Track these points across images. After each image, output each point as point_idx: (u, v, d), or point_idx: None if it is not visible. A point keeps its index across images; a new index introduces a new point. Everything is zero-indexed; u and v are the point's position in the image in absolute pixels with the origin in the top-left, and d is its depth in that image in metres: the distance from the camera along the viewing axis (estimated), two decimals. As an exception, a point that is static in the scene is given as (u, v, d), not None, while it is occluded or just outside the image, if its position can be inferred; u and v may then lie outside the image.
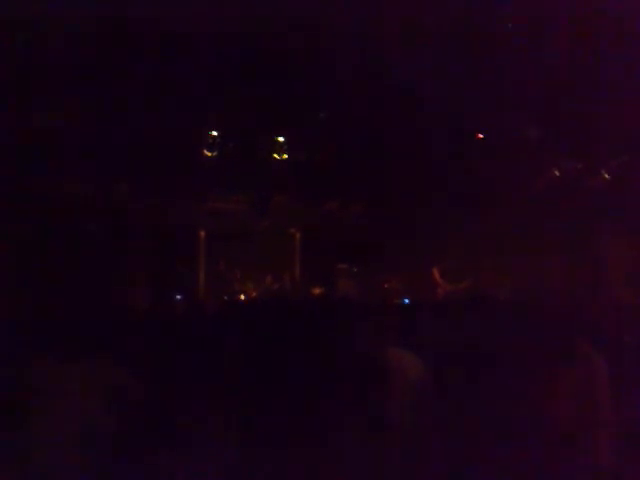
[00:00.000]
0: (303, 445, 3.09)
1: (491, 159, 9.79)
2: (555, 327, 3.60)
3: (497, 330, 3.81)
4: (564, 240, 10.64)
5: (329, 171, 10.28)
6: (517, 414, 3.35)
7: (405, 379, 3.40)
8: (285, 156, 9.80)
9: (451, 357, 3.56)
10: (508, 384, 3.46)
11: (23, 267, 8.82)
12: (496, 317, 4.14)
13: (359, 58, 7.12)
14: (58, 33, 6.50)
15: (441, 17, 6.35)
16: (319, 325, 3.77)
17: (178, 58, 7.16)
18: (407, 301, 7.52)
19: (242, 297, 10.34)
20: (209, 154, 9.52)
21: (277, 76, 7.57)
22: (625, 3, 6.05)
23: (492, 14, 6.36)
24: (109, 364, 3.26)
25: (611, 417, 3.37)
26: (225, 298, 10.17)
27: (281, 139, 9.78)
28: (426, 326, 3.85)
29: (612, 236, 10.61)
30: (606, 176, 10.39)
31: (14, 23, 6.23)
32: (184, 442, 3.26)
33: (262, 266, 11.10)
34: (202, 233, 11.52)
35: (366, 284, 10.68)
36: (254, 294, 10.59)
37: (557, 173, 10.54)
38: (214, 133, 9.47)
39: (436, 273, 10.14)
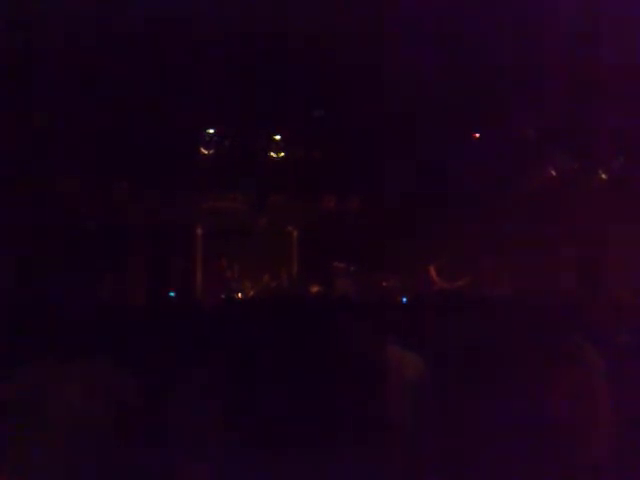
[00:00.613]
0: (299, 444, 3.09)
1: (489, 158, 9.80)
2: (551, 326, 3.60)
3: (494, 329, 3.81)
4: (560, 239, 10.65)
5: (326, 169, 10.28)
6: (514, 413, 3.35)
7: (403, 377, 3.39)
8: (282, 154, 9.80)
9: (447, 356, 3.55)
10: (504, 383, 3.46)
11: (19, 265, 8.79)
12: (493, 316, 4.15)
13: (356, 56, 7.12)
14: (56, 30, 6.48)
15: (439, 15, 6.35)
16: (316, 324, 3.76)
17: (175, 57, 7.15)
18: (405, 300, 7.53)
19: (240, 295, 10.32)
20: (206, 152, 9.52)
21: (274, 74, 7.56)
22: (622, 4, 6.06)
23: (489, 13, 6.36)
24: (103, 363, 3.25)
25: (608, 416, 3.38)
26: (222, 296, 10.15)
27: (278, 137, 9.77)
28: (423, 324, 3.85)
29: (610, 235, 10.63)
30: (603, 176, 10.42)
31: (14, 22, 6.22)
32: (174, 440, 3.25)
33: (260, 264, 11.08)
34: (199, 231, 11.50)
35: (363, 282, 10.67)
36: (252, 292, 10.57)
37: (553, 173, 10.56)
38: (211, 131, 9.46)
39: (433, 272, 10.15)
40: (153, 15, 6.21)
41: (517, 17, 6.42)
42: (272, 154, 9.88)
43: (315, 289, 10.21)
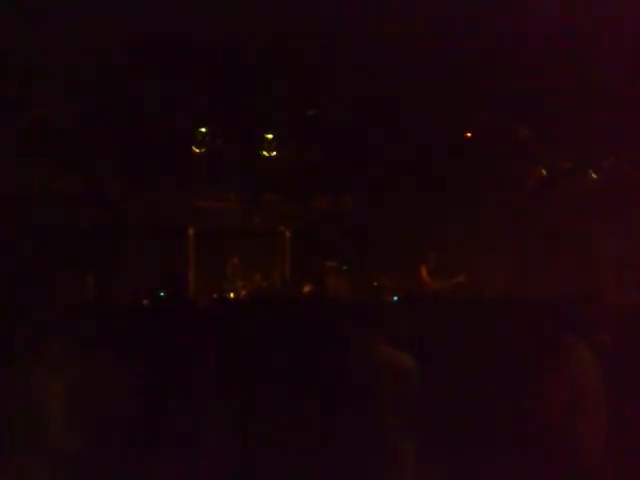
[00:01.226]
0: (287, 444, 3.10)
1: (481, 157, 9.83)
2: (545, 324, 3.62)
3: (486, 328, 3.83)
4: (553, 238, 10.69)
5: (319, 169, 10.28)
6: (508, 410, 3.36)
7: (395, 377, 3.40)
8: (275, 154, 9.80)
9: (440, 356, 3.57)
10: (498, 381, 3.48)
11: (8, 263, 8.75)
12: (485, 314, 4.16)
13: (347, 57, 7.13)
14: (54, 29, 6.47)
15: (429, 17, 6.37)
16: (307, 323, 3.77)
17: (168, 56, 7.14)
18: (396, 299, 7.53)
19: (232, 295, 10.31)
20: (198, 151, 9.50)
21: (267, 73, 7.56)
22: (615, 7, 6.09)
23: (481, 14, 6.38)
24: (93, 360, 3.25)
25: (602, 413, 3.39)
26: (214, 296, 10.13)
27: (270, 136, 9.77)
28: (413, 323, 3.86)
29: (603, 235, 10.68)
30: (594, 176, 10.48)
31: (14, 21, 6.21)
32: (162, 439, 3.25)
33: (252, 264, 11.07)
34: (191, 231, 11.49)
35: (356, 282, 10.68)
36: (244, 292, 10.56)
37: (544, 172, 10.61)
38: (203, 130, 9.45)
39: (424, 271, 10.16)
40: (147, 15, 6.21)
41: (509, 16, 6.44)
42: (265, 153, 9.87)
43: (307, 289, 10.21)
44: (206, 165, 9.76)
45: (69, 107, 8.17)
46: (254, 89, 7.88)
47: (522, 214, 10.61)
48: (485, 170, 10.14)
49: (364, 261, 11.21)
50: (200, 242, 11.44)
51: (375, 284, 10.68)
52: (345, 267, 11.05)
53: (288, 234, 12.07)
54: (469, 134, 9.85)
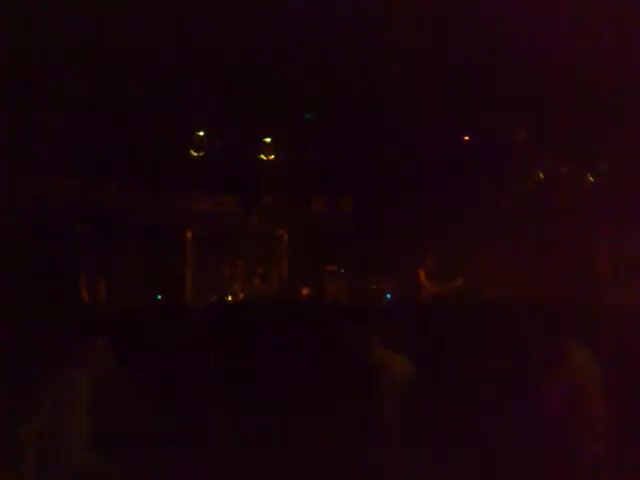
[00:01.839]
0: (285, 444, 3.10)
1: (478, 160, 9.84)
2: (542, 325, 3.63)
3: (485, 329, 3.83)
4: (550, 240, 10.70)
5: (317, 173, 10.29)
6: (506, 410, 3.37)
7: (392, 381, 3.40)
8: (272, 157, 9.80)
9: (436, 356, 3.57)
10: (496, 382, 3.48)
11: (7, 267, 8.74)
12: (482, 317, 4.17)
13: (345, 59, 7.14)
14: (52, 31, 6.47)
15: (429, 18, 6.38)
16: (306, 327, 3.77)
17: (166, 58, 7.15)
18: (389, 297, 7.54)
19: (229, 298, 10.30)
20: (197, 154, 9.50)
21: (265, 77, 7.57)
22: (614, 8, 6.10)
23: (480, 16, 6.39)
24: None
25: (599, 414, 3.40)
26: (212, 299, 10.13)
27: (268, 140, 9.78)
28: (412, 326, 3.87)
29: (598, 236, 10.69)
30: (591, 179, 10.51)
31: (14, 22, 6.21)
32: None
33: (250, 267, 11.06)
34: (189, 234, 11.48)
35: (354, 285, 10.68)
36: (242, 295, 10.55)
37: (542, 175, 10.64)
38: (201, 133, 9.45)
39: (422, 274, 10.15)
40: (146, 16, 6.21)
41: (506, 18, 6.45)
42: (263, 157, 9.87)
43: (305, 292, 10.20)
44: (204, 168, 9.76)
45: (68, 109, 8.18)
46: (253, 92, 7.89)
47: (519, 217, 10.62)
48: (484, 173, 10.15)
49: (362, 264, 11.21)
50: (198, 245, 11.43)
51: (374, 287, 10.69)
52: (343, 270, 11.06)
53: (286, 237, 12.06)
54: (467, 137, 9.86)
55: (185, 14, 6.24)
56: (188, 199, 10.97)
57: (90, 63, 7.16)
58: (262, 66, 7.30)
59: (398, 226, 10.97)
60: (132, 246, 10.54)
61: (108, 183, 10.11)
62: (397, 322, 3.98)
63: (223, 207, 11.34)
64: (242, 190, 10.77)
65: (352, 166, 10.05)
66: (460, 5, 6.23)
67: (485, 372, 3.56)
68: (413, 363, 3.50)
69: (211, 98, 8.08)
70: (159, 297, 6.93)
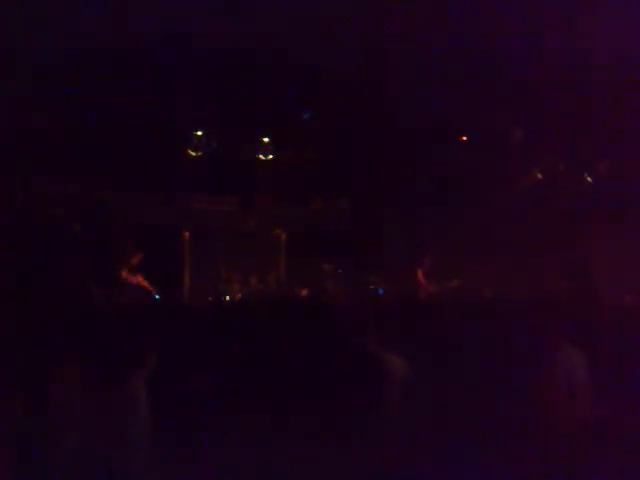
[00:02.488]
0: (283, 444, 3.10)
1: (477, 160, 9.85)
2: (537, 325, 3.63)
3: (480, 329, 3.83)
4: (548, 241, 10.72)
5: (315, 172, 10.29)
6: (500, 408, 3.37)
7: (392, 382, 3.41)
8: (270, 157, 9.81)
9: (434, 356, 3.57)
10: (491, 381, 3.49)
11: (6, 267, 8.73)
12: (480, 317, 4.17)
13: (343, 60, 7.14)
14: (52, 33, 6.48)
15: (429, 18, 6.39)
16: (303, 326, 3.77)
17: (165, 59, 7.15)
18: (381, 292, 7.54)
19: (227, 298, 10.29)
20: (194, 154, 9.51)
21: (263, 77, 7.57)
22: (614, 10, 6.11)
23: (480, 18, 6.40)
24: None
25: (590, 412, 3.41)
26: (210, 299, 10.12)
27: (266, 140, 9.78)
28: (408, 326, 3.87)
29: (598, 237, 10.72)
30: (589, 179, 10.53)
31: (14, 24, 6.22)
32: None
33: (248, 267, 11.05)
34: (187, 234, 11.46)
35: (351, 284, 10.68)
36: (239, 295, 10.54)
37: (540, 176, 10.65)
38: (199, 133, 9.46)
39: (420, 274, 10.15)
40: (145, 17, 6.22)
41: (505, 20, 6.46)
42: (261, 156, 9.88)
43: (303, 291, 10.20)
44: (202, 168, 9.76)
45: (67, 110, 8.18)
46: (251, 92, 7.89)
47: (518, 216, 10.63)
48: (482, 173, 10.16)
49: (360, 264, 11.20)
50: (196, 244, 11.42)
51: (371, 287, 10.69)
52: (341, 270, 11.05)
53: (284, 236, 12.06)
54: (465, 137, 9.88)
55: (184, 14, 6.25)
56: (186, 199, 10.96)
57: (89, 63, 7.16)
58: (260, 65, 7.30)
59: (396, 225, 10.97)
60: (129, 246, 10.52)
61: (106, 183, 10.10)
62: (395, 322, 3.98)
63: (221, 207, 11.33)
64: (240, 189, 10.77)
65: (350, 165, 10.05)
66: (460, 5, 6.24)
67: (482, 371, 3.57)
68: (410, 363, 3.50)
69: (209, 98, 8.09)
70: (157, 297, 6.94)
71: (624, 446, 3.49)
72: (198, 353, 3.62)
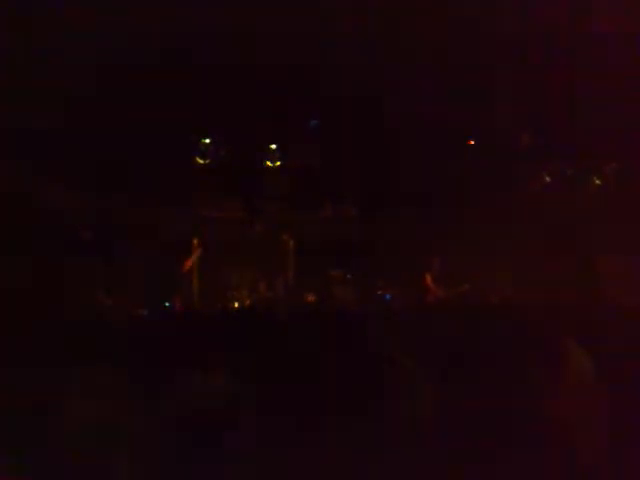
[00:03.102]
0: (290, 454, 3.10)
1: (484, 164, 9.85)
2: (543, 328, 3.63)
3: (488, 333, 3.83)
4: (554, 244, 10.69)
5: (322, 178, 10.31)
6: (504, 413, 3.36)
7: (406, 386, 3.41)
8: (278, 163, 9.84)
9: (440, 360, 3.57)
10: (495, 385, 3.48)
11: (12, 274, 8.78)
12: (486, 321, 4.17)
13: (349, 65, 7.16)
14: (56, 39, 6.51)
15: (429, 19, 6.40)
16: (311, 333, 3.78)
17: (172, 66, 7.18)
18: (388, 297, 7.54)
19: (236, 304, 10.32)
20: (202, 162, 9.54)
21: (270, 84, 7.59)
22: (617, 12, 6.10)
23: (481, 16, 6.40)
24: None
25: (597, 416, 3.39)
26: (219, 306, 10.15)
27: (274, 147, 9.81)
28: (419, 331, 3.87)
29: (604, 241, 10.67)
30: (597, 182, 10.51)
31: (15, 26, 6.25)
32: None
33: (256, 274, 11.08)
34: (195, 241, 11.49)
35: (360, 291, 10.68)
36: (248, 301, 10.57)
37: (547, 179, 10.64)
38: (207, 141, 9.49)
39: (428, 279, 10.14)
40: (151, 25, 6.25)
41: (512, 20, 6.46)
42: (268, 163, 9.91)
43: (311, 298, 10.21)
44: (210, 175, 9.80)
45: (72, 119, 8.21)
46: (258, 99, 7.91)
47: (525, 219, 10.61)
48: (489, 176, 10.15)
49: (369, 269, 11.21)
50: (204, 252, 11.45)
51: (379, 292, 10.70)
52: (349, 276, 11.06)
53: (292, 243, 12.08)
54: (472, 142, 9.88)
55: (189, 20, 6.27)
56: (194, 206, 11.00)
57: (95, 72, 7.19)
58: (268, 72, 7.33)
59: (404, 231, 10.97)
60: (137, 254, 10.56)
61: (113, 191, 10.14)
62: (404, 326, 3.98)
63: (229, 213, 11.36)
64: (248, 196, 10.80)
65: (358, 171, 10.06)
66: (461, 5, 6.25)
67: (496, 373, 3.56)
68: (420, 367, 3.50)
69: (216, 105, 8.11)
70: (167, 304, 6.97)
71: (630, 448, 3.48)
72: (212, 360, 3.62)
